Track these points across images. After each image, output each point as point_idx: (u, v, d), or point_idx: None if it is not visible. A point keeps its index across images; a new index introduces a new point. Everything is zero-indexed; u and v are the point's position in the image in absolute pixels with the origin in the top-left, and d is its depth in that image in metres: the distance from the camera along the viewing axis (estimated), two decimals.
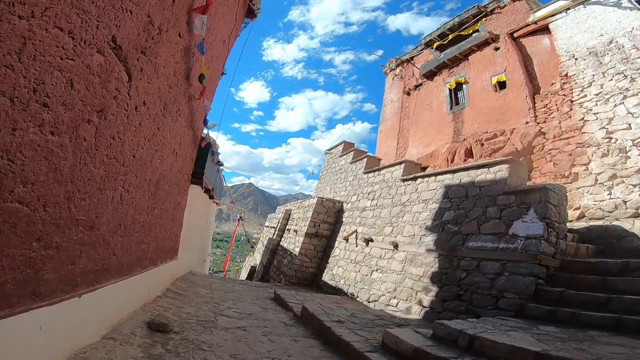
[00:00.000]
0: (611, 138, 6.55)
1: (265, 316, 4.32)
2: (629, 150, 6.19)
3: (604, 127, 6.76)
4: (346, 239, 8.43)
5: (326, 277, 8.45)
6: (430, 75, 12.67)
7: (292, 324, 4.11)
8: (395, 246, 6.55)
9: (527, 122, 8.51)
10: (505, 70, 9.58)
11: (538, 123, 8.25)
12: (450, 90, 11.43)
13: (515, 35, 9.78)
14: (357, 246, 7.92)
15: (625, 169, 6.13)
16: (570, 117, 7.56)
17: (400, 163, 8.01)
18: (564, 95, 7.89)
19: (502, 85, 9.67)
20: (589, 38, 7.76)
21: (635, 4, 7.14)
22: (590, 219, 6.26)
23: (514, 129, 8.71)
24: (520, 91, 8.97)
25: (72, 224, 1.83)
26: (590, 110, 7.15)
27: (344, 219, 9.29)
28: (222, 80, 6.86)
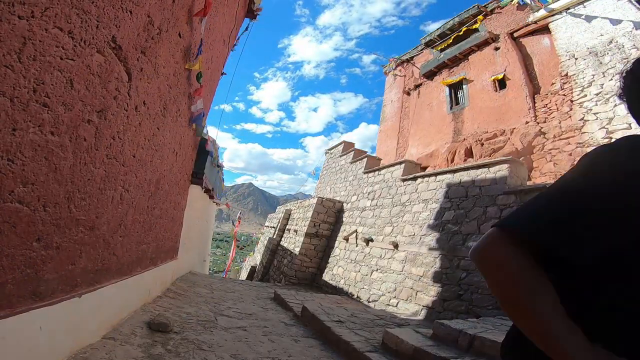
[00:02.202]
0: (611, 138, 6.55)
1: (266, 316, 4.32)
2: None
3: (604, 127, 6.76)
4: (346, 239, 8.43)
5: (326, 277, 8.45)
6: (430, 75, 12.67)
7: (292, 324, 4.11)
8: (396, 246, 6.55)
9: (527, 122, 8.51)
10: (505, 70, 9.59)
11: (538, 123, 8.25)
12: (450, 90, 11.43)
13: (515, 35, 9.78)
14: (357, 246, 7.92)
15: None
16: (570, 117, 7.56)
17: (400, 163, 8.01)
18: (564, 95, 7.89)
19: (502, 84, 9.67)
20: (589, 38, 7.76)
21: (635, 3, 7.14)
22: None
23: (514, 128, 8.71)
24: (520, 91, 8.97)
25: (72, 224, 1.83)
26: (590, 110, 7.15)
27: (344, 219, 9.29)
28: (223, 81, 6.85)
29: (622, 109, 6.58)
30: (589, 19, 7.87)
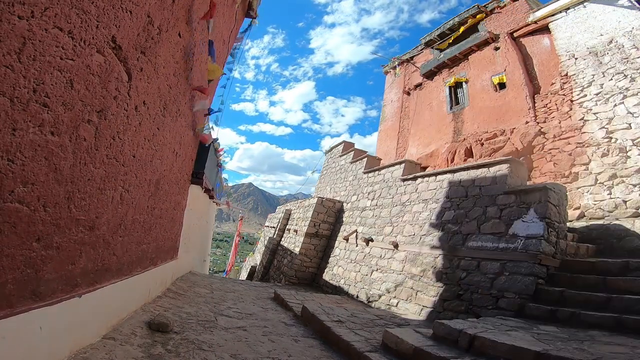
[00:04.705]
0: (611, 138, 6.55)
1: (266, 316, 4.32)
2: (629, 150, 6.19)
3: (603, 127, 6.76)
4: (346, 239, 8.43)
5: (326, 276, 8.45)
6: (430, 75, 12.67)
7: (292, 324, 4.11)
8: (396, 246, 6.55)
9: (527, 122, 8.51)
10: (505, 70, 9.58)
11: (538, 123, 8.25)
12: (450, 89, 11.43)
13: (515, 35, 9.78)
14: (357, 246, 7.92)
15: (625, 168, 6.13)
16: (570, 116, 7.56)
17: (400, 163, 8.01)
18: (564, 95, 7.89)
19: (502, 85, 9.66)
20: (589, 38, 7.76)
21: (635, 3, 7.14)
22: (590, 218, 6.27)
23: (514, 128, 8.71)
24: (520, 91, 8.97)
25: (72, 224, 1.83)
26: (590, 110, 7.14)
27: (344, 219, 9.29)
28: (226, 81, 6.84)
29: (622, 108, 6.58)
30: (588, 18, 7.87)
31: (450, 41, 11.73)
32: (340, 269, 8.07)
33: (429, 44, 13.07)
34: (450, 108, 11.31)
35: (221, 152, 6.97)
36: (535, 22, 9.23)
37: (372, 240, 7.45)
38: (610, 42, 7.28)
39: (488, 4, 10.78)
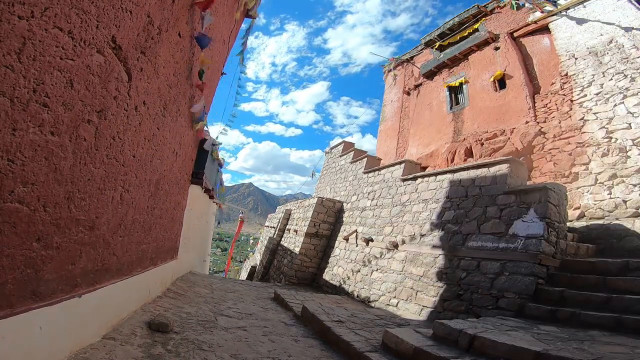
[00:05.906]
0: (611, 138, 6.55)
1: (266, 316, 4.32)
2: (629, 150, 6.19)
3: (604, 127, 6.76)
4: (346, 239, 8.43)
5: (326, 276, 8.45)
6: (430, 75, 12.66)
7: (292, 324, 4.11)
8: (396, 246, 6.55)
9: (527, 122, 8.51)
10: (505, 70, 9.58)
11: (538, 123, 8.25)
12: (450, 89, 11.43)
13: (515, 35, 9.78)
14: (357, 246, 7.92)
15: (625, 168, 6.13)
16: (570, 116, 7.56)
17: (400, 163, 8.01)
18: (564, 95, 7.89)
19: (502, 84, 9.66)
20: (588, 38, 7.76)
21: (635, 3, 7.14)
22: (590, 218, 6.26)
23: (514, 128, 8.71)
24: (520, 91, 8.97)
25: (72, 224, 1.83)
26: (590, 109, 7.14)
27: (344, 219, 9.29)
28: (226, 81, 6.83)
29: (622, 108, 6.58)
30: (583, 20, 7.87)
31: (447, 43, 11.73)
32: (340, 269, 8.07)
33: (428, 44, 13.07)
34: (450, 108, 11.31)
35: (217, 147, 6.90)
36: (535, 22, 9.23)
37: (372, 240, 7.45)
38: (610, 42, 7.28)
39: (488, 4, 10.78)
